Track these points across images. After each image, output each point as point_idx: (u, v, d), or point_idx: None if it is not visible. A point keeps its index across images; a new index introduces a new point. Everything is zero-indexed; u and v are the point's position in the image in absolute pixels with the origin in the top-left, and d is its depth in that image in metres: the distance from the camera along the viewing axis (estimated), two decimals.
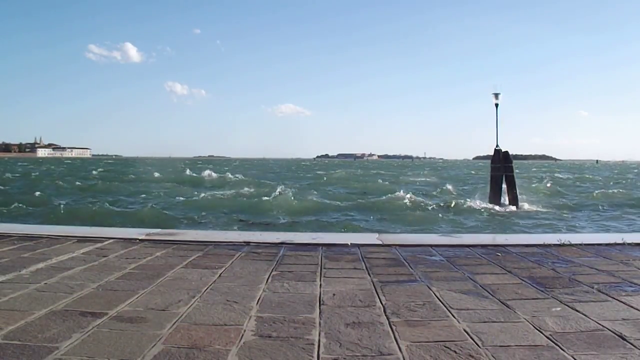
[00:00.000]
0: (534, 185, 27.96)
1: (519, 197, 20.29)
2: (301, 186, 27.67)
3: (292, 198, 18.51)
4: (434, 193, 24.08)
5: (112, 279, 3.43)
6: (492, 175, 20.97)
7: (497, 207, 18.35)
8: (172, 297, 3.00)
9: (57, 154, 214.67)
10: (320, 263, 4.05)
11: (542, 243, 4.99)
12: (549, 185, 28.65)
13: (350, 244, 4.90)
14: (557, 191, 26.34)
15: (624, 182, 38.21)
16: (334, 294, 3.10)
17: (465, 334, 2.41)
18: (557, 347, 2.23)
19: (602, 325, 2.53)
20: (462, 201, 19.20)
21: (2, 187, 24.47)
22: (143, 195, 21.42)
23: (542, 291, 3.22)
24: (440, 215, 15.81)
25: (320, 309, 2.80)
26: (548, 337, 2.36)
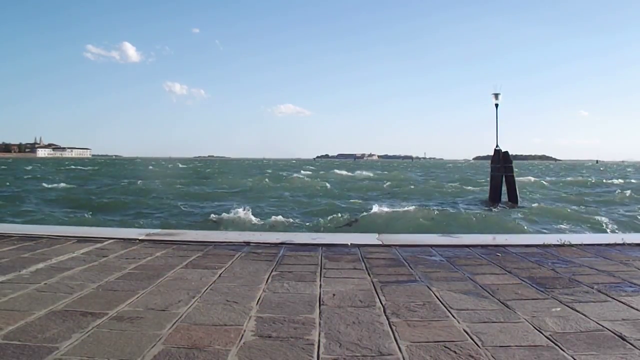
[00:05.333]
0: None
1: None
2: None
3: None
4: None
5: (112, 279, 3.43)
6: (492, 175, 21.00)
7: None
8: (172, 297, 3.00)
9: (57, 154, 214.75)
10: (320, 263, 4.05)
11: (542, 243, 4.99)
12: None
13: (350, 244, 4.90)
14: None
15: None
16: (334, 294, 3.10)
17: (465, 334, 2.41)
18: (557, 348, 2.23)
19: (602, 326, 2.53)
20: None
21: None
22: None
23: (542, 291, 3.22)
24: None
25: (320, 309, 2.81)
26: (548, 338, 2.36)
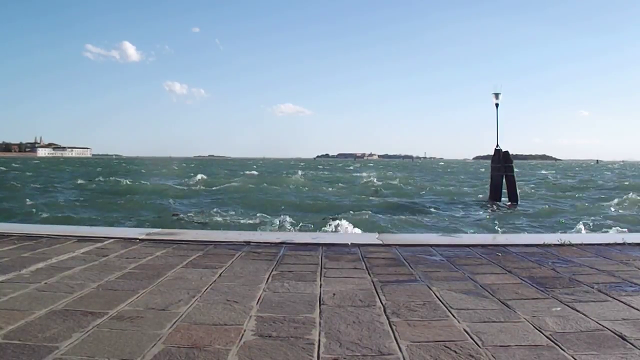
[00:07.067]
0: None
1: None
2: None
3: None
4: None
5: (112, 278, 3.43)
6: (492, 175, 20.99)
7: None
8: (172, 296, 3.00)
9: (58, 153, 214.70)
10: (320, 263, 4.05)
11: (542, 243, 4.99)
12: None
13: (351, 243, 4.90)
14: None
15: None
16: (334, 294, 3.10)
17: (466, 333, 2.41)
18: (557, 347, 2.23)
19: (602, 325, 2.52)
20: None
21: None
22: None
23: (542, 291, 3.22)
24: None
25: (320, 308, 2.80)
26: (548, 337, 2.36)
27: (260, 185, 29.49)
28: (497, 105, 22.14)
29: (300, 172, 45.70)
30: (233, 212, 16.28)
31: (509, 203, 19.94)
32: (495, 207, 19.11)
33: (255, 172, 49.24)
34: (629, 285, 3.38)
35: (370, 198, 23.20)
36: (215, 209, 16.81)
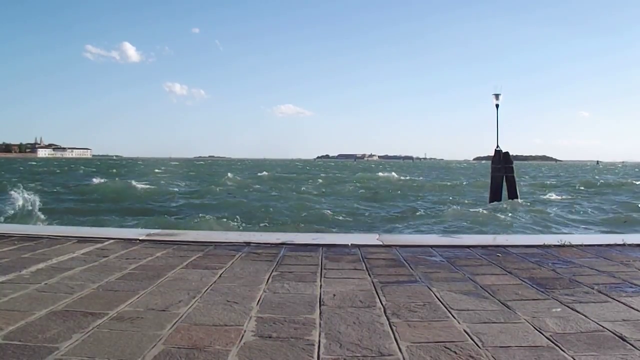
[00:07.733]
0: None
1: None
2: None
3: None
4: None
5: (113, 279, 3.43)
6: (493, 175, 20.98)
7: None
8: (172, 297, 3.00)
9: (58, 154, 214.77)
10: (320, 264, 4.05)
11: (542, 244, 4.99)
12: None
13: (351, 244, 4.90)
14: None
15: None
16: (334, 295, 3.10)
17: (466, 334, 2.41)
18: (558, 348, 2.23)
19: (603, 326, 2.52)
20: None
21: None
22: None
23: (542, 292, 3.22)
24: None
25: (320, 309, 2.81)
26: (548, 338, 2.36)
27: None
28: (497, 106, 22.17)
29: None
30: None
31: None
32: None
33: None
34: (629, 286, 3.37)
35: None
36: None
